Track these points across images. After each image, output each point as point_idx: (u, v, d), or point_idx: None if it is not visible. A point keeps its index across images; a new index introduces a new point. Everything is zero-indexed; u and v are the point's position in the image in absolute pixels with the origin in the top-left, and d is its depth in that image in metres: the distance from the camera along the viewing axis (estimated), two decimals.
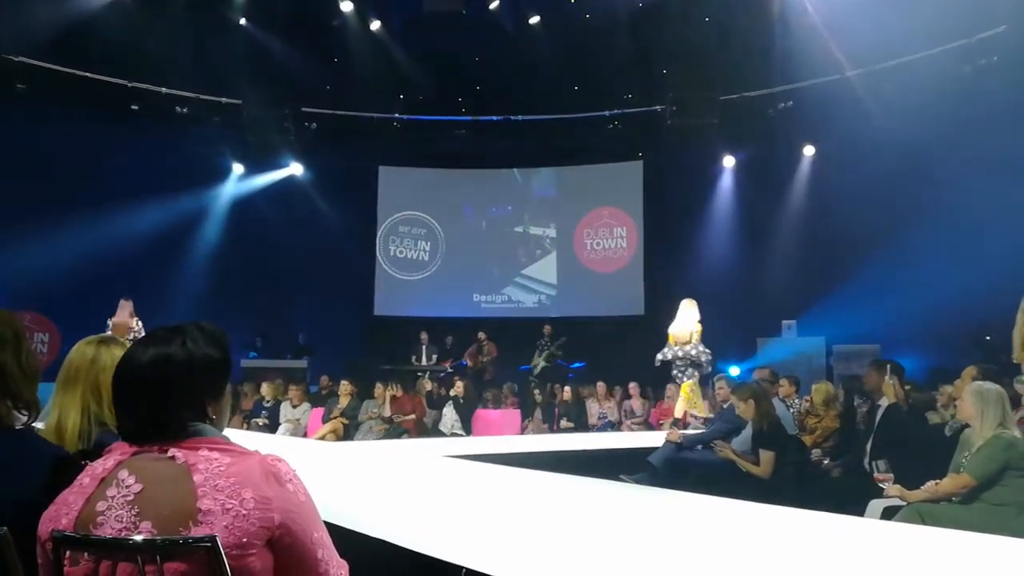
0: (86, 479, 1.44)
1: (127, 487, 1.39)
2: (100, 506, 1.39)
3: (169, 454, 1.43)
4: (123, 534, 1.36)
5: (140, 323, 8.56)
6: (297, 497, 1.44)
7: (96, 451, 1.61)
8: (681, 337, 8.20)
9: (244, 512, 1.36)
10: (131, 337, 7.91)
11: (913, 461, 4.79)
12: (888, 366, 5.49)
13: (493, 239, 14.60)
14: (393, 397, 9.33)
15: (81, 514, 1.40)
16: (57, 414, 2.10)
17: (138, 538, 1.35)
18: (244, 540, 1.35)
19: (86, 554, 1.38)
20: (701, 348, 8.08)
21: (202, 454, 1.42)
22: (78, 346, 2.21)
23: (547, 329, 12.18)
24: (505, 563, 2.48)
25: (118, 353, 2.17)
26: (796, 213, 12.31)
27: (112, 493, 1.40)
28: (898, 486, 4.11)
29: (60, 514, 1.41)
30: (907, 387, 5.81)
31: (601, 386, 10.23)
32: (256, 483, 1.39)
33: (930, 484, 4.03)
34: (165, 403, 1.46)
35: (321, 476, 4.70)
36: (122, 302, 8.60)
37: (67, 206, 11.13)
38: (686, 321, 8.30)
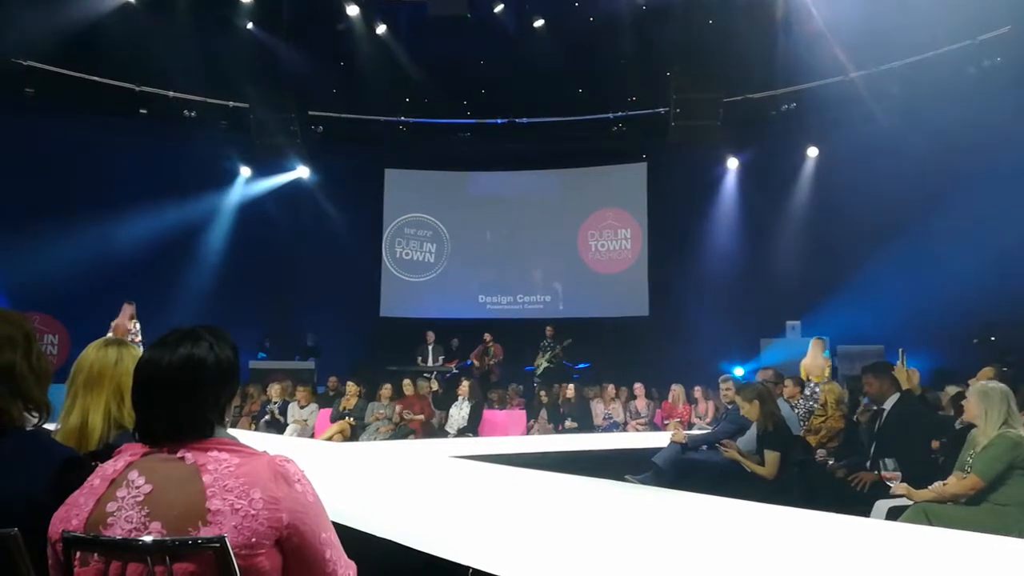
0: (96, 480, 1.45)
1: (137, 488, 1.41)
2: (110, 507, 1.40)
3: (179, 455, 1.45)
4: (133, 535, 1.37)
5: (138, 325, 8.63)
6: (306, 498, 1.45)
7: (106, 452, 1.62)
8: (813, 372, 8.46)
9: (253, 512, 1.38)
10: (128, 340, 7.99)
11: (922, 457, 4.77)
12: (901, 352, 5.44)
13: (498, 241, 14.62)
14: (406, 396, 9.37)
15: (91, 515, 1.41)
16: (80, 416, 2.08)
17: (147, 539, 1.36)
18: (253, 540, 1.37)
19: (96, 555, 1.39)
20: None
21: (212, 455, 1.44)
22: (96, 349, 2.19)
23: (549, 331, 12.16)
24: (511, 563, 2.49)
25: (138, 355, 2.19)
26: (800, 214, 12.28)
27: (122, 494, 1.41)
28: (905, 484, 4.09)
29: (70, 515, 1.42)
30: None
31: (610, 387, 10.23)
32: (265, 483, 1.41)
33: (937, 484, 4.02)
34: (196, 404, 1.48)
35: (329, 476, 4.72)
36: (124, 305, 8.68)
37: (76, 209, 11.20)
38: (816, 358, 8.64)
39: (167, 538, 1.36)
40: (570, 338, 12.03)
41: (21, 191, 11.03)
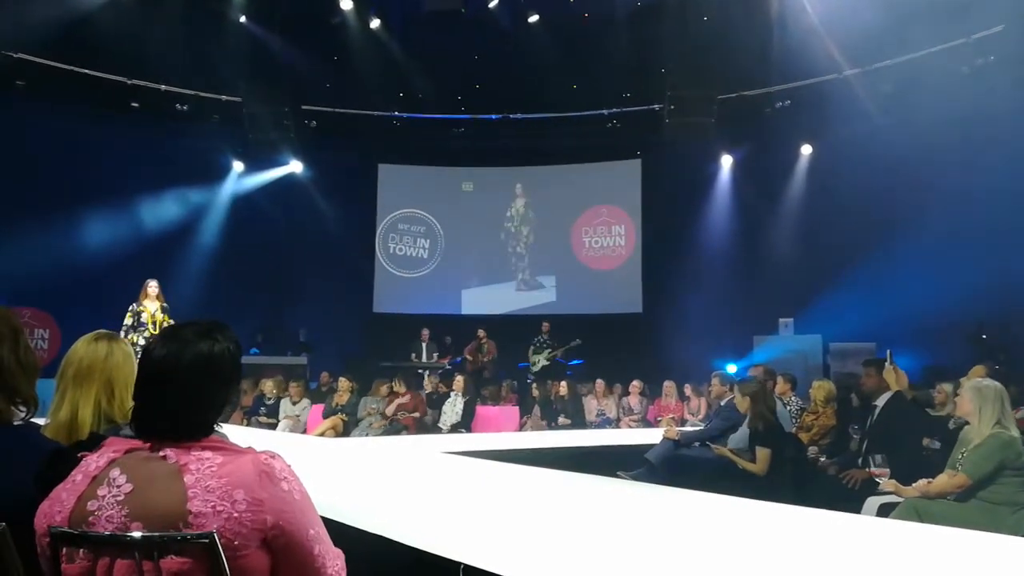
0: (79, 476, 1.43)
1: (118, 487, 1.38)
2: (91, 505, 1.38)
3: (161, 454, 1.42)
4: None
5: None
6: (292, 496, 1.42)
7: (91, 442, 1.61)
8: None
9: (236, 514, 1.35)
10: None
11: (913, 455, 4.79)
12: (889, 352, 5.45)
13: (492, 237, 14.59)
14: (397, 393, 9.33)
15: (73, 513, 1.39)
16: (70, 411, 2.07)
17: (136, 535, 1.34)
18: (236, 542, 1.35)
19: (82, 552, 1.37)
20: None
21: (194, 454, 1.41)
22: (86, 343, 2.18)
23: (545, 327, 12.14)
24: (503, 560, 2.48)
25: (128, 350, 2.17)
26: (793, 211, 12.31)
27: (103, 492, 1.39)
28: (894, 481, 4.10)
29: (54, 511, 1.40)
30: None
31: (600, 383, 10.23)
32: (249, 484, 1.38)
33: (922, 482, 4.02)
34: (208, 403, 1.47)
35: (321, 472, 4.71)
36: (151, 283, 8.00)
37: (67, 203, 11.13)
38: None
39: (155, 534, 1.34)
40: (578, 339, 11.87)
41: (11, 184, 10.96)
